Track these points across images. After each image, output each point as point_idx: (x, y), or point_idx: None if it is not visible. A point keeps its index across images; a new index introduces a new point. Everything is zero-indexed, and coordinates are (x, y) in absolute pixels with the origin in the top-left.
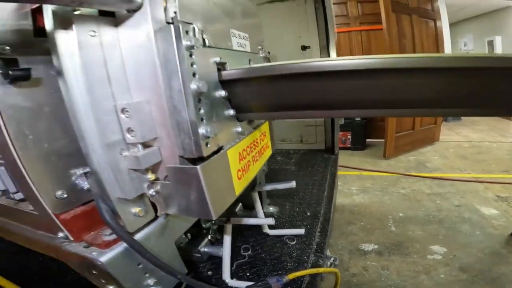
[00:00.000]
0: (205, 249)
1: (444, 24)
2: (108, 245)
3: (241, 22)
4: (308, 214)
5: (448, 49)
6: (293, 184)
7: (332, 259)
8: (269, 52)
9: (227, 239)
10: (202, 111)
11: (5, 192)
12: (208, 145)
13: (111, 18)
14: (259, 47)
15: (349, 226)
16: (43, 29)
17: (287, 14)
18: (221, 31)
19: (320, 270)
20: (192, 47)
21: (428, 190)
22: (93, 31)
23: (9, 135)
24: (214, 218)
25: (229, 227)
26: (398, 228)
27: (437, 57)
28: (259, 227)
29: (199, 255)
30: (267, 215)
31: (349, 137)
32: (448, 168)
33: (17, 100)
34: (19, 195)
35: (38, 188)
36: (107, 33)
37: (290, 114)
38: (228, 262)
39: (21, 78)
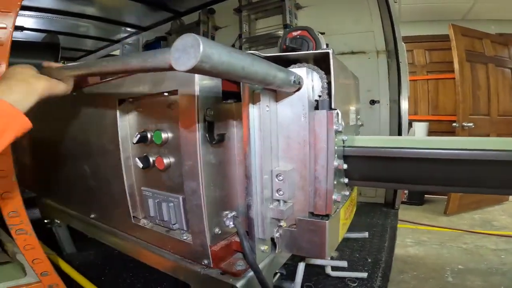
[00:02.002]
0: (281, 284)
1: None
2: (240, 273)
3: (354, 98)
4: (369, 260)
5: None
6: (365, 234)
7: None
8: None
9: (299, 276)
10: (335, 182)
11: (166, 222)
12: (335, 207)
13: (274, 93)
14: (359, 116)
15: (400, 275)
16: (226, 93)
17: (357, 68)
18: (346, 111)
19: None
20: (340, 132)
21: (493, 246)
22: (267, 105)
23: (202, 184)
24: (327, 257)
25: (302, 266)
26: (456, 278)
27: None
28: (320, 268)
29: None
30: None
31: (406, 191)
32: None
33: (211, 157)
34: (176, 226)
35: (208, 225)
36: (272, 108)
37: (393, 185)
38: None
39: (220, 140)
